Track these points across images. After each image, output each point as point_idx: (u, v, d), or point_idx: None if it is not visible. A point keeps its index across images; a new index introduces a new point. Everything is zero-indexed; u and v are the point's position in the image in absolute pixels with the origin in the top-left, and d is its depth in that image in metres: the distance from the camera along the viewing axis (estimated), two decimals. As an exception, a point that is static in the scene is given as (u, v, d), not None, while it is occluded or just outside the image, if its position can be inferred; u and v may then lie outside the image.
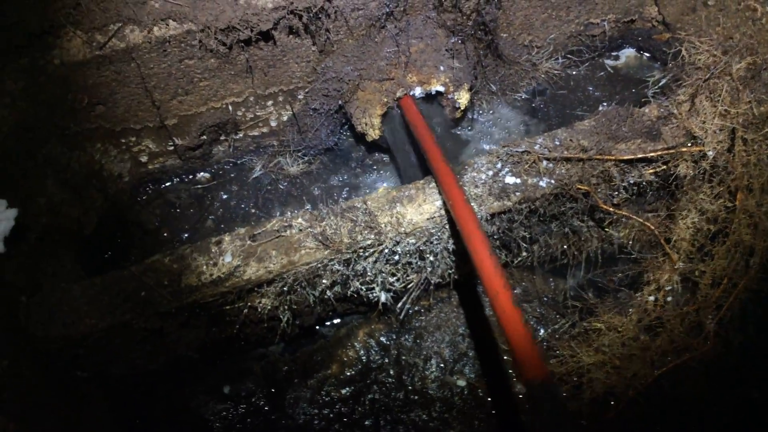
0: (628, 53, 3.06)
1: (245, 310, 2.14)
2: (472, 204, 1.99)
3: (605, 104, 2.86)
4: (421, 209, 2.10)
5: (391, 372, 2.52)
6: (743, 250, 2.33)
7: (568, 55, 2.98)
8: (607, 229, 2.40)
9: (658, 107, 2.22)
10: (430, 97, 2.58)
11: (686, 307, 2.32)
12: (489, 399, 2.44)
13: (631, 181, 2.19)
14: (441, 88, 2.53)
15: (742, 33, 2.53)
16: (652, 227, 2.21)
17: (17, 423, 1.88)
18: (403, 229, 2.07)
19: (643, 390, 2.31)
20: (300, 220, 2.11)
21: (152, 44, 2.29)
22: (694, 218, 2.19)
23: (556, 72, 2.95)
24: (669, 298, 2.29)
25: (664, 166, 2.15)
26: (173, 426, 2.44)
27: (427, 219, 2.08)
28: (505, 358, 2.49)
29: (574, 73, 3.02)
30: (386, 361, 2.54)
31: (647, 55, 3.02)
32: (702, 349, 2.36)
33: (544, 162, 2.13)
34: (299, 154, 2.87)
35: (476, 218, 1.77)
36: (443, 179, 1.98)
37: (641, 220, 2.22)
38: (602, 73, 3.02)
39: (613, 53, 3.05)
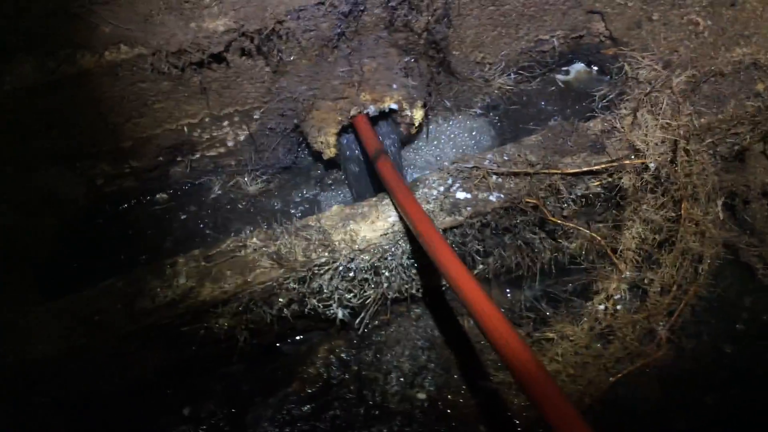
0: (578, 68, 3.14)
1: (202, 331, 2.15)
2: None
3: (557, 118, 2.93)
4: (374, 226, 2.13)
5: (352, 388, 2.53)
6: (691, 258, 2.40)
7: (520, 71, 3.05)
8: (559, 241, 2.45)
9: (602, 121, 2.29)
10: (384, 115, 2.62)
11: (637, 314, 2.38)
12: (449, 411, 2.47)
13: (579, 194, 2.24)
14: (395, 106, 2.57)
15: (685, 47, 2.62)
16: (599, 238, 2.27)
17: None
18: (357, 246, 2.10)
19: (599, 397, 2.35)
20: (255, 239, 2.13)
21: (104, 68, 2.30)
22: (638, 228, 2.25)
23: (508, 87, 3.01)
24: (619, 307, 2.35)
25: (609, 179, 2.22)
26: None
27: (381, 235, 2.12)
28: (464, 369, 2.53)
29: (526, 88, 3.09)
30: (347, 376, 2.56)
31: (596, 69, 3.10)
32: (655, 355, 2.41)
33: (494, 177, 2.18)
34: (257, 173, 2.89)
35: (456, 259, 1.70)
36: (399, 196, 2.01)
37: (588, 231, 2.27)
38: (553, 88, 3.09)
39: (564, 68, 3.13)
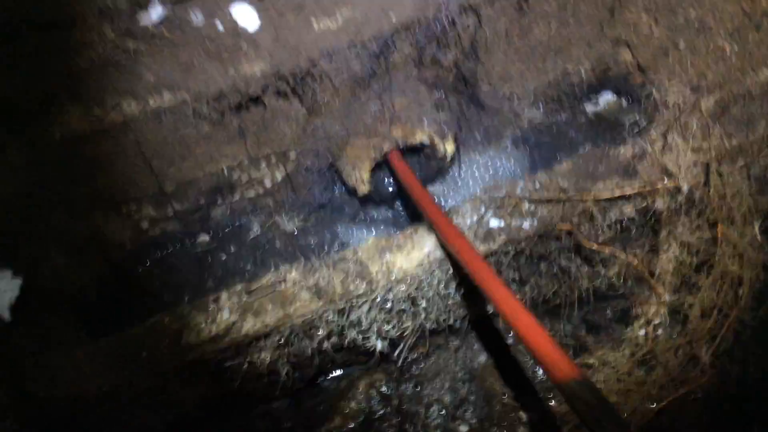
0: (606, 98, 3.15)
1: (245, 365, 2.19)
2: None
3: (586, 147, 2.95)
4: (410, 256, 2.17)
5: (394, 422, 2.54)
6: (731, 281, 2.38)
7: (549, 103, 3.08)
8: (596, 267, 2.46)
9: (632, 146, 2.31)
10: (416, 149, 2.68)
11: (678, 339, 2.36)
12: (492, 443, 2.46)
13: (613, 219, 2.25)
14: (427, 140, 2.63)
15: (713, 72, 2.64)
16: (636, 262, 2.27)
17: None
18: (393, 276, 2.14)
19: (644, 426, 2.32)
20: (294, 273, 2.18)
21: (148, 115, 2.41)
22: (675, 251, 2.25)
23: (538, 120, 3.04)
24: (660, 331, 2.34)
25: (643, 203, 2.23)
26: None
27: (417, 265, 2.16)
28: (505, 400, 2.51)
29: (555, 119, 3.11)
30: (388, 411, 2.56)
31: (625, 98, 3.12)
32: (699, 382, 2.38)
33: (526, 204, 2.21)
34: (295, 212, 2.96)
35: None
36: (440, 225, 2.06)
37: (625, 256, 2.28)
38: (583, 119, 3.11)
39: (592, 98, 3.15)
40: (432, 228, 2.17)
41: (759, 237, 2.42)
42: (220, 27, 2.44)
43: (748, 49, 2.59)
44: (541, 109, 3.06)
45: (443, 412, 2.55)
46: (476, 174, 2.92)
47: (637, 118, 2.70)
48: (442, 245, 2.16)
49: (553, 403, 2.48)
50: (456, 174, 2.92)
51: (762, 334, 2.57)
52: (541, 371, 2.57)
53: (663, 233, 2.27)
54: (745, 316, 2.43)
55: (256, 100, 2.51)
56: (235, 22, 2.44)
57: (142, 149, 2.54)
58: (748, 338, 2.54)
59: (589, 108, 3.14)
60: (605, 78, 3.08)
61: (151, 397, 2.17)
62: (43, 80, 2.32)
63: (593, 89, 3.12)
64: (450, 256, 2.14)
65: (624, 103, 3.11)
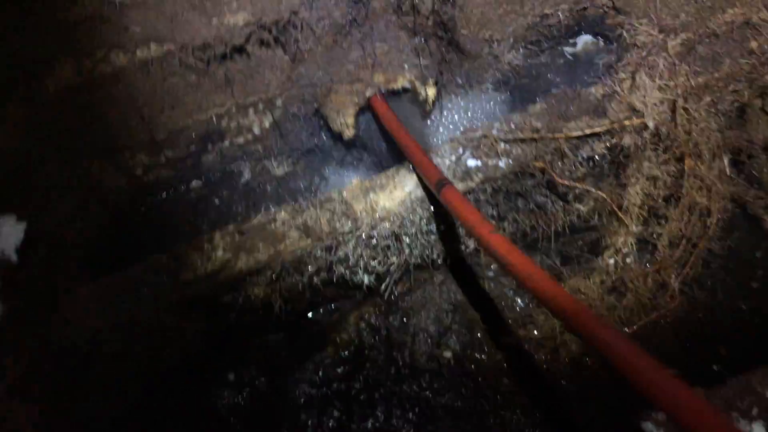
0: (585, 39, 3.22)
1: (240, 300, 2.34)
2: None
3: (562, 88, 3.03)
4: (392, 195, 2.30)
5: (383, 350, 2.71)
6: (699, 212, 2.51)
7: (528, 46, 3.15)
8: (570, 202, 2.58)
9: (602, 86, 2.42)
10: (398, 94, 2.78)
11: (648, 267, 2.51)
12: (474, 367, 2.63)
13: (584, 156, 2.38)
14: (408, 85, 2.73)
15: (686, 12, 2.72)
16: (604, 195, 2.40)
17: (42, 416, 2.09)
18: (377, 214, 2.28)
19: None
20: (283, 213, 2.32)
21: (136, 65, 2.49)
22: (642, 184, 2.38)
23: (517, 62, 3.12)
24: (628, 260, 2.48)
25: (612, 140, 2.35)
26: (186, 415, 2.62)
27: (399, 204, 2.29)
28: (486, 328, 2.68)
29: (535, 61, 3.19)
30: (377, 340, 2.73)
31: (602, 39, 3.19)
32: (668, 307, 2.54)
33: (502, 144, 2.33)
34: (283, 157, 3.07)
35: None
36: (417, 160, 2.18)
37: (594, 190, 2.41)
38: (562, 60, 3.19)
39: (571, 40, 3.22)
40: (414, 168, 2.29)
41: (727, 170, 2.55)
42: (203, -23, 2.51)
43: (718, -12, 2.67)
44: (521, 52, 3.14)
45: (429, 340, 2.71)
46: (456, 117, 3.02)
47: (612, 59, 2.78)
48: (423, 185, 2.28)
49: (530, 328, 2.64)
50: (437, 117, 3.02)
51: (730, 263, 2.71)
52: (520, 301, 2.74)
53: (630, 168, 2.39)
54: (714, 246, 2.56)
55: (240, 49, 2.59)
56: (216, -28, 2.50)
57: (133, 99, 2.63)
58: (717, 267, 2.69)
59: (568, 50, 3.22)
60: (583, 20, 3.15)
61: (155, 332, 2.32)
62: (35, 35, 2.40)
63: (572, 31, 3.19)
64: (431, 195, 2.26)
65: (601, 44, 3.19)
